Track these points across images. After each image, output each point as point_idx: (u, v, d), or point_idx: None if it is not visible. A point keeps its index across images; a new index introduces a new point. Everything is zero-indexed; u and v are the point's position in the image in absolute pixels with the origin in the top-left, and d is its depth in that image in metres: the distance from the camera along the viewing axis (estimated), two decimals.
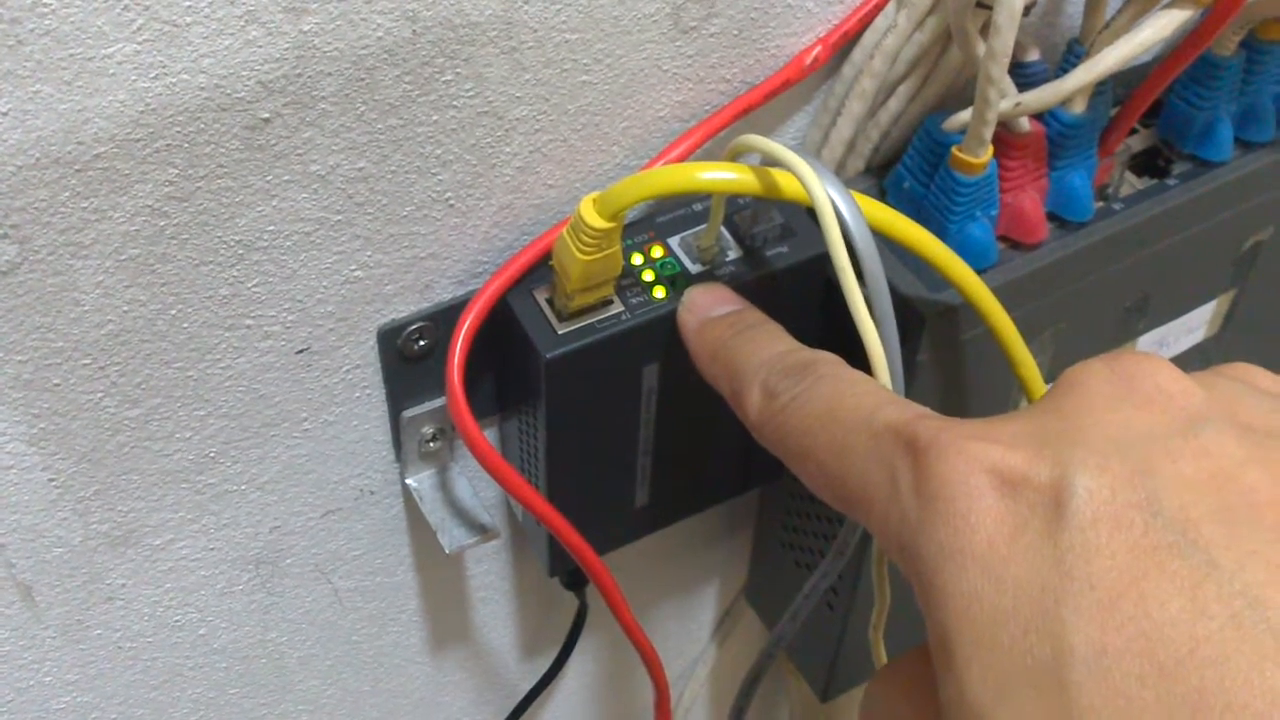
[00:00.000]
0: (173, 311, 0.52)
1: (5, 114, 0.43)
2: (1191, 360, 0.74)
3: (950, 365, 0.61)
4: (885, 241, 0.53)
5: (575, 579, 0.71)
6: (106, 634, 0.62)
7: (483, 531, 0.63)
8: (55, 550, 0.57)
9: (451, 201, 0.55)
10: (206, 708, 0.70)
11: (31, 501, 0.55)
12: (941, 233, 0.57)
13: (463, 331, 0.55)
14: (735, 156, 0.52)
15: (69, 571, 0.59)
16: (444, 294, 0.58)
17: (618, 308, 0.56)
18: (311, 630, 0.70)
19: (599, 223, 0.51)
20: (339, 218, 0.52)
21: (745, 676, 0.72)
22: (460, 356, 0.55)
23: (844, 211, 0.50)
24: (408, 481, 0.64)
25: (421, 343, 0.59)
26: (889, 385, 0.52)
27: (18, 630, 0.60)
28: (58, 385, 0.51)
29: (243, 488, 0.60)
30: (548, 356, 0.55)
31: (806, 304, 0.60)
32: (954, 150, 0.55)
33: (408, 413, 0.61)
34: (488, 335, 0.57)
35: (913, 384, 0.60)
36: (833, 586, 0.66)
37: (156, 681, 0.67)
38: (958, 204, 0.57)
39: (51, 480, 0.54)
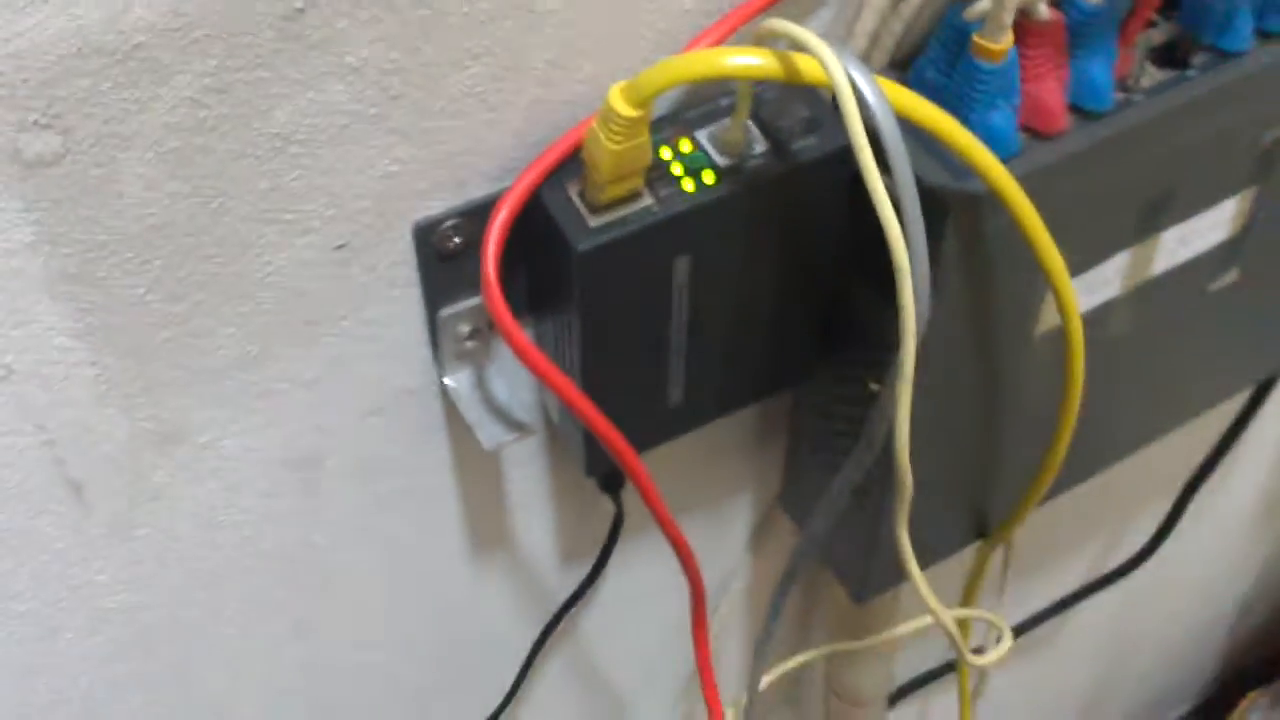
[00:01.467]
0: (213, 205, 0.53)
1: (48, 1, 0.44)
2: (1214, 258, 0.74)
3: (974, 256, 0.62)
4: (908, 128, 0.53)
5: (611, 480, 0.72)
6: (154, 533, 0.64)
7: (520, 428, 0.64)
8: (103, 446, 0.59)
9: (483, 96, 0.56)
10: (253, 608, 0.71)
11: (79, 397, 0.56)
12: (964, 122, 0.57)
13: (497, 223, 0.56)
14: (761, 43, 0.53)
15: (116, 469, 0.60)
16: (478, 191, 0.59)
17: (647, 200, 0.57)
18: (353, 533, 0.71)
19: (627, 110, 0.52)
20: (374, 111, 0.53)
21: (780, 576, 0.73)
22: (495, 249, 0.56)
23: (866, 94, 0.51)
24: (445, 381, 0.65)
25: (456, 240, 0.60)
26: (907, 276, 0.52)
27: (69, 528, 0.61)
28: (103, 279, 0.52)
29: (285, 386, 0.61)
30: (580, 249, 0.56)
31: (834, 197, 0.61)
32: (974, 37, 0.56)
33: (444, 311, 0.62)
34: (521, 232, 0.58)
35: (936, 274, 0.60)
36: (863, 485, 0.67)
37: (203, 582, 0.68)
38: (979, 92, 0.58)
39: (98, 375, 0.56)
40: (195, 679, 0.73)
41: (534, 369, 0.58)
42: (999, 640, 0.87)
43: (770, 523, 0.91)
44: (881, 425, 0.60)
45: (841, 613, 0.94)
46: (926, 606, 0.73)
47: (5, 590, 0.62)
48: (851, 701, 1.03)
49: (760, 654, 0.78)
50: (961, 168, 0.58)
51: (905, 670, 1.19)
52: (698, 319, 0.62)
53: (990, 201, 0.58)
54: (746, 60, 0.51)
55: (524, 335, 0.57)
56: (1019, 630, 1.19)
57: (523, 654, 0.86)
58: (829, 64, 0.50)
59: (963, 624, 0.90)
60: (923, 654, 1.19)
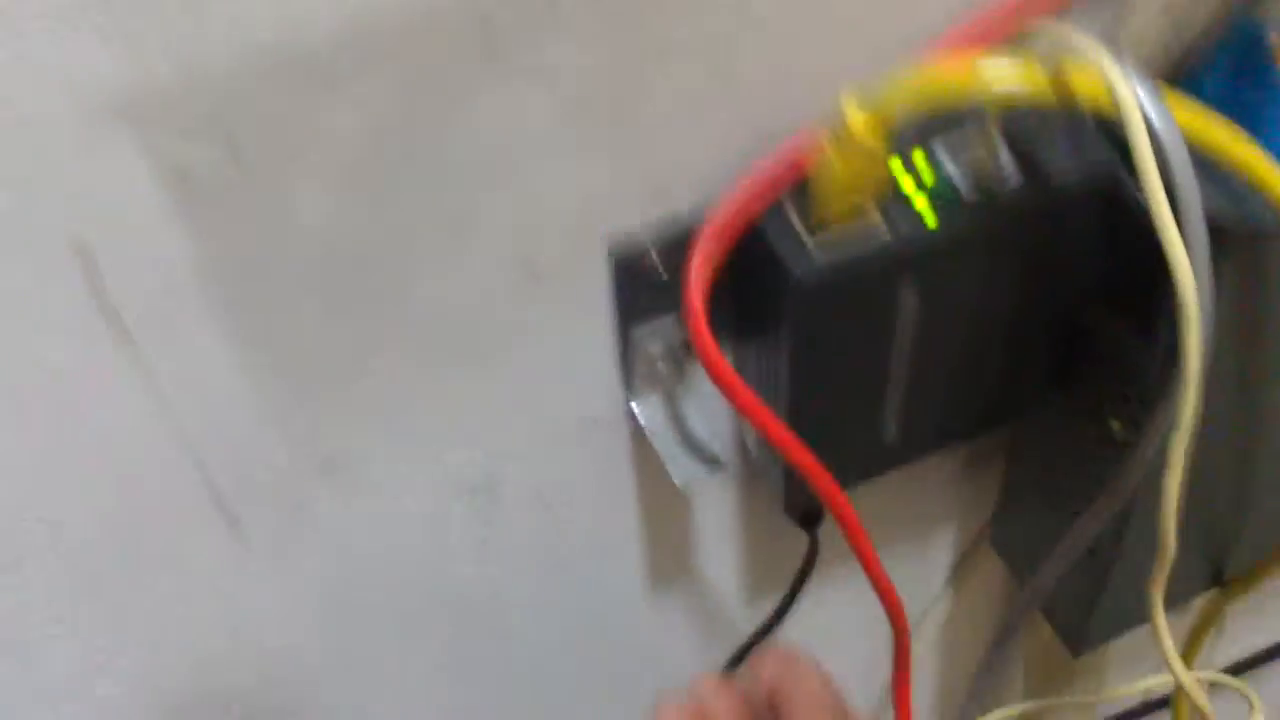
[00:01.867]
0: (391, 224, 0.47)
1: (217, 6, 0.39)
2: None
3: (1250, 293, 0.54)
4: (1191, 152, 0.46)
5: (810, 516, 0.65)
6: (317, 567, 0.59)
7: (715, 463, 0.58)
8: (262, 475, 0.54)
9: (690, 103, 0.49)
10: (422, 649, 0.67)
11: (240, 426, 0.51)
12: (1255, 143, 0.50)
13: (703, 251, 0.50)
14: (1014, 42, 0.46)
15: (276, 498, 0.55)
16: (681, 205, 0.53)
17: (876, 222, 0.50)
18: (530, 566, 0.66)
19: (865, 137, 0.46)
20: (570, 121, 0.47)
21: (995, 633, 0.66)
22: (702, 277, 0.50)
23: (1155, 121, 0.44)
24: (633, 405, 0.59)
25: (655, 259, 0.53)
26: (1195, 314, 0.45)
27: (226, 561, 0.56)
28: (268, 301, 0.47)
29: (460, 411, 0.56)
30: (797, 275, 0.49)
31: (1088, 226, 0.54)
32: (1276, 39, 0.48)
33: (637, 334, 0.56)
34: (727, 249, 0.51)
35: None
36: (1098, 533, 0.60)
37: (369, 620, 0.63)
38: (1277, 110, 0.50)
39: (262, 404, 0.51)
40: None
41: (735, 401, 0.52)
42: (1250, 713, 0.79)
43: (973, 559, 0.84)
44: (1132, 476, 0.53)
45: (1046, 659, 0.87)
46: (1170, 670, 0.66)
47: (158, 623, 0.58)
48: None
49: (970, 708, 0.72)
50: (1242, 194, 0.50)
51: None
52: (921, 352, 0.56)
53: None
54: (1012, 83, 0.44)
55: (726, 364, 0.51)
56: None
57: None
58: (1115, 84, 0.43)
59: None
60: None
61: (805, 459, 0.54)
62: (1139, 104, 0.43)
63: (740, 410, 0.52)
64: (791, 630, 0.81)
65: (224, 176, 0.43)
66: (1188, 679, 0.66)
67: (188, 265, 0.45)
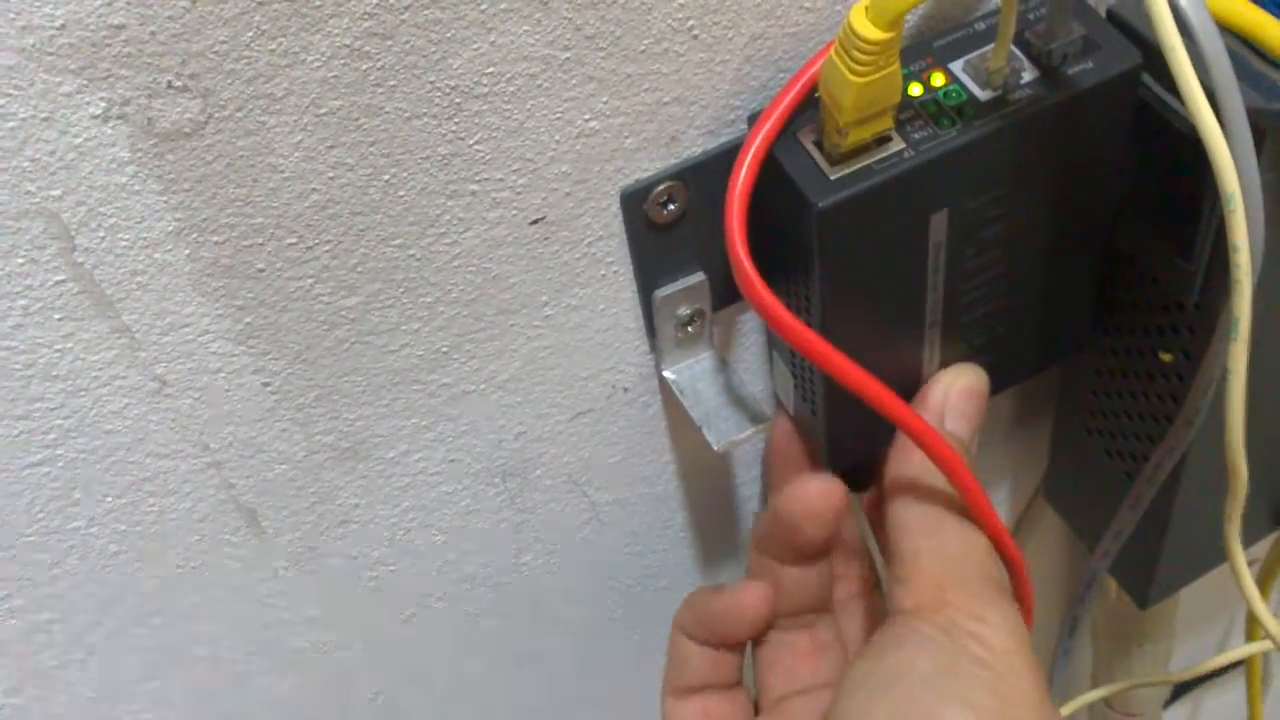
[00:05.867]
0: (385, 176, 0.44)
1: None
2: None
3: None
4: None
5: (857, 476, 0.62)
6: (344, 563, 0.56)
7: (755, 422, 0.55)
8: (278, 467, 0.51)
9: (695, 31, 0.47)
10: (460, 643, 0.64)
11: (246, 410, 0.49)
12: None
13: (739, 187, 0.47)
14: None
15: (295, 491, 0.52)
16: (693, 147, 0.50)
17: (898, 144, 0.48)
18: (568, 551, 0.63)
19: (874, 33, 0.43)
20: (567, 55, 0.45)
21: (1063, 599, 0.63)
22: (739, 216, 0.47)
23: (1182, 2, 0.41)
24: (665, 374, 0.56)
25: (671, 206, 0.51)
26: (1239, 204, 0.42)
27: (247, 561, 0.54)
28: (262, 271, 0.45)
29: (481, 387, 0.53)
30: (819, 205, 0.47)
31: (1115, 131, 0.51)
32: None
33: (661, 291, 0.53)
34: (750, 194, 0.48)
35: None
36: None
37: (404, 615, 0.60)
38: None
39: (265, 385, 0.48)
40: None
41: (792, 338, 0.48)
42: None
43: (1031, 514, 0.81)
44: (1198, 403, 0.50)
45: (1112, 614, 0.84)
46: (1261, 627, 0.62)
47: (183, 634, 0.55)
48: (1125, 713, 0.92)
49: (1055, 676, 0.68)
50: (1274, 86, 0.48)
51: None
52: (956, 284, 0.53)
53: None
54: None
55: (781, 305, 0.47)
56: None
57: None
58: None
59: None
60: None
61: (873, 387, 0.50)
62: None
63: (798, 345, 0.48)
64: None
65: (195, 127, 0.40)
66: (1274, 626, 0.62)
67: (168, 231, 0.42)
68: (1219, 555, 0.59)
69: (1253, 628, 0.84)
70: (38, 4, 0.36)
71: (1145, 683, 0.81)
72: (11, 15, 0.35)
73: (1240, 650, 0.76)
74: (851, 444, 0.57)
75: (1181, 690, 1.11)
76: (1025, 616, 0.62)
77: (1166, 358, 0.57)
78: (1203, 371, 0.51)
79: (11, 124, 0.38)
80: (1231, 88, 0.42)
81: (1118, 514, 0.59)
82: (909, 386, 0.56)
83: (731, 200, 0.47)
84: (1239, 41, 0.47)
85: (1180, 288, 0.54)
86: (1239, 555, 0.57)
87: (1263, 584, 0.81)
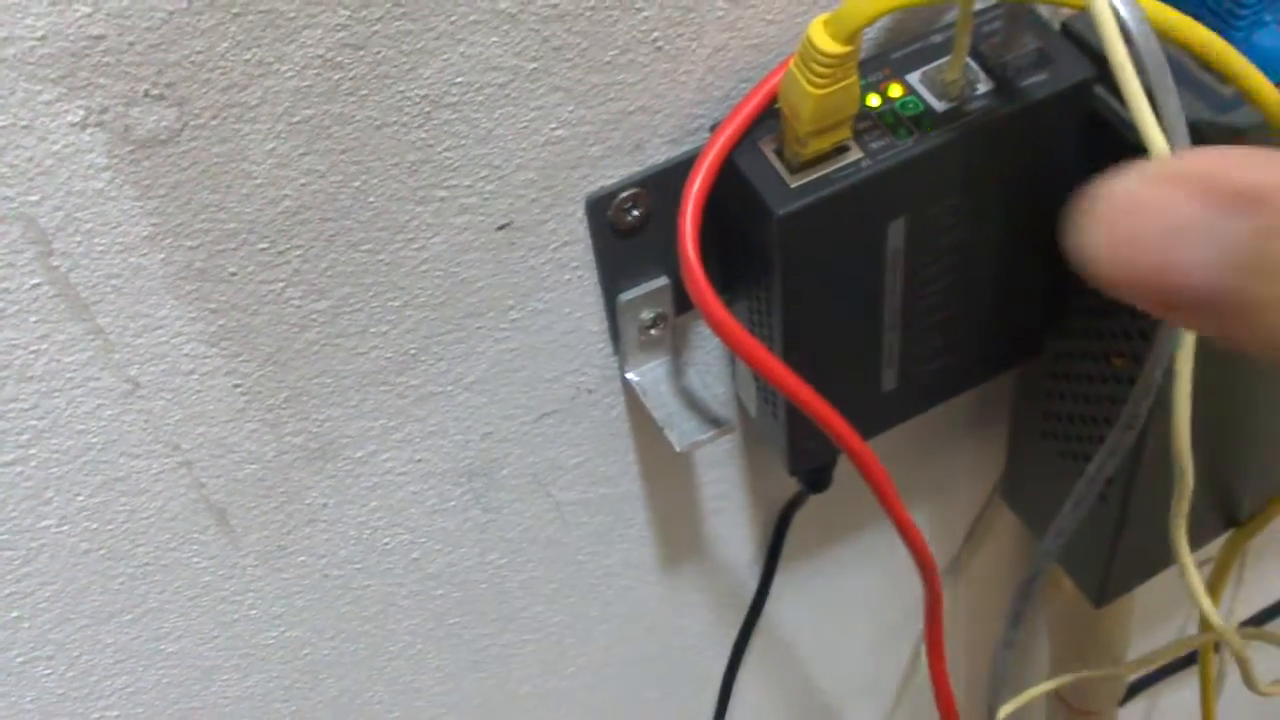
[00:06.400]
0: (356, 183, 0.45)
1: None
2: None
3: None
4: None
5: (817, 478, 0.64)
6: (311, 560, 0.57)
7: (716, 425, 0.56)
8: (248, 467, 0.52)
9: (659, 43, 0.48)
10: (425, 640, 0.65)
11: (217, 411, 0.49)
12: None
13: (693, 193, 0.48)
14: None
15: (264, 491, 0.53)
16: (657, 155, 0.51)
17: (856, 154, 0.49)
18: (533, 550, 0.64)
19: (832, 46, 0.44)
20: (534, 65, 0.46)
21: (1018, 586, 0.64)
22: (693, 223, 0.48)
23: (1123, 14, 0.43)
24: (628, 376, 0.57)
25: (635, 212, 0.52)
26: None
27: (216, 559, 0.55)
28: (234, 275, 0.46)
29: (448, 389, 0.54)
30: (779, 213, 0.48)
31: (1066, 142, 0.52)
32: None
33: (624, 296, 0.54)
34: (707, 196, 0.49)
35: None
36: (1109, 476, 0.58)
37: (369, 612, 0.61)
38: (1245, 7, 0.49)
39: (236, 386, 0.49)
40: (365, 718, 0.66)
41: (744, 354, 0.49)
42: None
43: (987, 519, 0.82)
44: (1140, 405, 0.51)
45: (1068, 613, 0.85)
46: (1210, 625, 0.63)
47: (151, 630, 0.56)
48: (1081, 710, 0.93)
49: (997, 668, 0.70)
50: (1218, 98, 0.49)
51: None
52: (913, 290, 0.54)
53: (1256, 138, 0.49)
54: None
55: (733, 319, 0.49)
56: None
57: (719, 668, 0.78)
58: None
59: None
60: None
61: (818, 405, 0.52)
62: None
63: (745, 359, 0.50)
64: (813, 596, 0.79)
65: (171, 134, 0.41)
66: (1230, 635, 0.64)
67: (143, 235, 0.43)
68: (1172, 555, 0.60)
69: (1204, 626, 0.86)
70: (19, 15, 0.36)
71: (1096, 675, 0.82)
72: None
73: (1188, 641, 0.77)
74: (813, 446, 0.58)
75: (1137, 688, 1.13)
76: (933, 612, 0.64)
77: (1118, 363, 0.58)
78: (1143, 377, 0.52)
79: None
80: (1179, 120, 0.43)
81: (1059, 512, 0.61)
82: (866, 389, 0.58)
83: (685, 206, 0.48)
84: (1184, 53, 0.48)
85: None
86: (1185, 553, 0.59)
87: (1215, 583, 0.82)
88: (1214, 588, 0.81)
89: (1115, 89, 0.44)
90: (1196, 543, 0.72)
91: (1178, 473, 0.53)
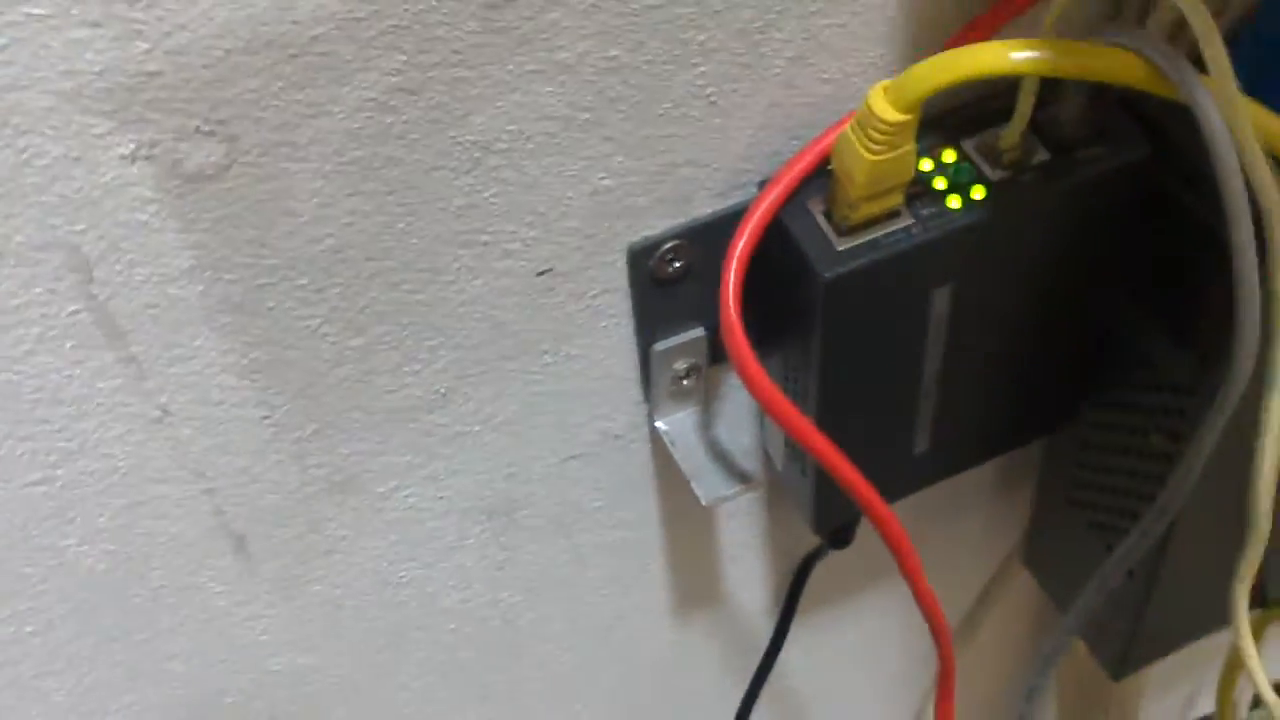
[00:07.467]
0: (400, 225, 0.45)
1: None
2: None
3: None
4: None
5: (840, 536, 0.63)
6: (326, 590, 0.57)
7: (744, 480, 0.56)
8: (270, 496, 0.52)
9: (714, 98, 0.47)
10: (433, 672, 0.64)
11: (244, 441, 0.49)
12: None
13: (737, 251, 0.48)
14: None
15: (284, 520, 0.53)
16: (703, 208, 0.51)
17: (906, 219, 0.48)
18: (547, 590, 0.63)
19: (892, 115, 0.44)
20: (587, 116, 0.45)
21: (1031, 658, 0.64)
22: (736, 282, 0.48)
23: (1210, 116, 0.42)
24: (657, 424, 0.57)
25: (676, 264, 0.51)
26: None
27: (231, 584, 0.54)
28: (271, 309, 0.45)
29: (476, 429, 0.54)
30: (826, 276, 0.47)
31: (1118, 217, 0.52)
32: None
33: (659, 345, 0.54)
34: (751, 252, 0.49)
35: None
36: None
37: (380, 643, 0.61)
38: None
39: (265, 418, 0.49)
40: None
41: (775, 415, 0.49)
42: None
43: (1006, 577, 0.82)
44: (1179, 494, 0.51)
45: (1082, 679, 0.85)
46: (1265, 702, 0.62)
47: (162, 650, 0.56)
48: None
49: None
50: None
51: None
52: (954, 356, 0.54)
53: None
54: (1045, 55, 0.42)
55: (767, 379, 0.48)
56: None
57: (728, 716, 0.77)
58: (1176, 74, 0.41)
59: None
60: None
61: (848, 471, 0.52)
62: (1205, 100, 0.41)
63: (779, 421, 0.50)
64: (825, 647, 0.79)
65: (219, 170, 0.40)
66: (1271, 696, 0.62)
67: (183, 268, 0.43)
68: (1198, 629, 0.59)
69: (1224, 691, 0.85)
70: (81, 50, 0.36)
71: None
72: (54, 60, 0.36)
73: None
74: (838, 505, 0.57)
75: None
76: (945, 682, 0.63)
77: (1155, 440, 0.58)
78: (1184, 462, 0.51)
79: (44, 162, 0.38)
80: (1245, 221, 0.43)
81: (1084, 589, 0.60)
82: (898, 451, 0.57)
83: (729, 264, 0.48)
84: None
85: (1176, 372, 0.54)
86: (1244, 618, 0.57)
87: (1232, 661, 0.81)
88: (1232, 666, 0.81)
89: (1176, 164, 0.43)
90: (1211, 624, 0.71)
91: (1252, 530, 0.52)
